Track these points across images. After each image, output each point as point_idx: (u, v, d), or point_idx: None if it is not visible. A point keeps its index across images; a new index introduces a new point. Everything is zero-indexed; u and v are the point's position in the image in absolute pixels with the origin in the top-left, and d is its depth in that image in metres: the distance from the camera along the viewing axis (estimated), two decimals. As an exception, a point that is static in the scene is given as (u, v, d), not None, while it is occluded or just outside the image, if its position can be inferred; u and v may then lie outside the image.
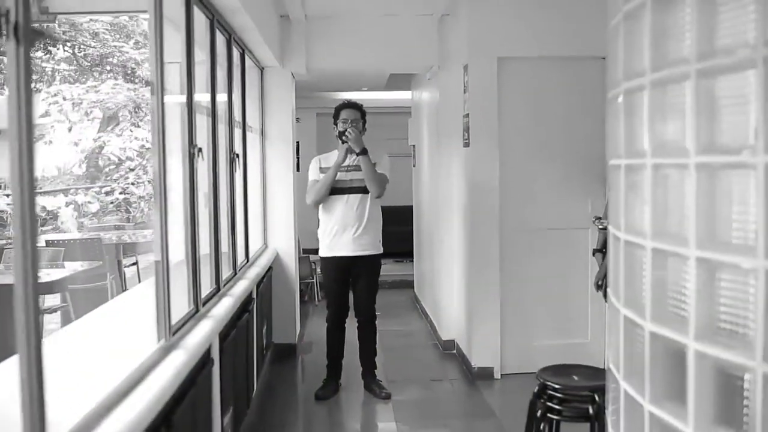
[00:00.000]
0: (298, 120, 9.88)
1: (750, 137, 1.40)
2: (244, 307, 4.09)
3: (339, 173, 4.68)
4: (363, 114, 4.79)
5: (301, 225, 6.36)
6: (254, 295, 4.53)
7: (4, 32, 1.42)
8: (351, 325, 4.93)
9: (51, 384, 2.05)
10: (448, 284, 5.96)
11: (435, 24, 5.90)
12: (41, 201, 13.62)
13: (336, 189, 4.69)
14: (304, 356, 5.95)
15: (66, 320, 5.78)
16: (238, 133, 4.63)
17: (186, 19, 3.03)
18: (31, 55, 1.48)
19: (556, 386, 3.00)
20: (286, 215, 5.90)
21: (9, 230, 12.34)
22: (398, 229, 9.04)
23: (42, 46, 14.38)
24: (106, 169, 14.98)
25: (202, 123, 3.54)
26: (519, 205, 5.16)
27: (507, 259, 5.16)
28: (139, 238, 8.04)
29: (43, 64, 14.71)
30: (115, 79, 14.52)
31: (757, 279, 1.38)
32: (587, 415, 2.94)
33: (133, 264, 8.13)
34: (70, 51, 14.88)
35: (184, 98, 3.06)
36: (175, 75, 3.09)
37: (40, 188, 15.03)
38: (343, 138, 4.67)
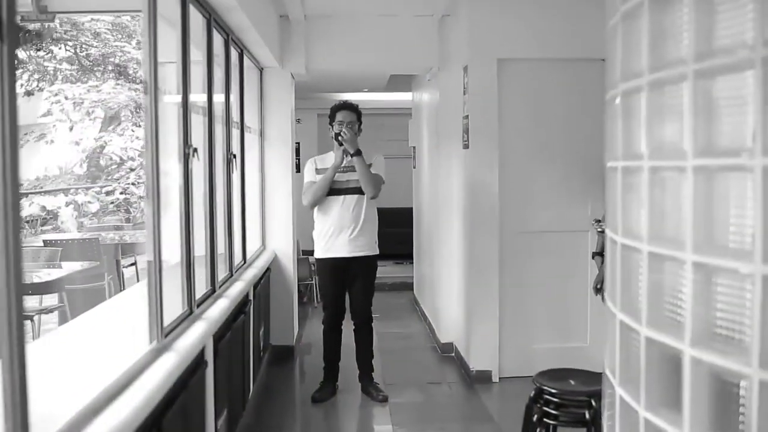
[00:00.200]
0: (299, 121, 9.88)
1: (748, 140, 1.38)
2: (240, 308, 4.06)
3: (336, 174, 4.66)
4: (359, 115, 4.77)
5: (301, 226, 6.33)
6: (251, 297, 4.50)
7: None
8: (348, 328, 4.90)
9: (37, 386, 2.03)
10: (447, 286, 5.94)
11: (435, 25, 5.87)
12: (41, 201, 13.62)
13: (332, 190, 4.66)
14: (304, 357, 5.93)
15: (63, 320, 5.76)
16: (236, 133, 4.61)
17: (181, 17, 3.01)
18: (17, 53, 1.45)
19: (553, 391, 2.97)
20: (285, 216, 5.88)
21: (8, 230, 12.33)
22: (398, 231, 9.03)
23: (43, 45, 14.40)
24: (108, 169, 14.98)
25: (198, 123, 3.52)
26: (518, 208, 5.13)
27: (506, 262, 5.13)
28: (139, 239, 8.02)
29: (45, 64, 14.72)
30: (117, 79, 14.52)
31: (754, 284, 1.35)
32: (584, 420, 2.91)
33: (132, 264, 8.11)
34: (72, 50, 14.88)
35: (179, 98, 3.03)
36: (173, 75, 3.07)
37: (41, 187, 15.04)
38: (339, 139, 4.64)
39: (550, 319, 5.16)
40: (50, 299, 6.20)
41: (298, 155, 8.46)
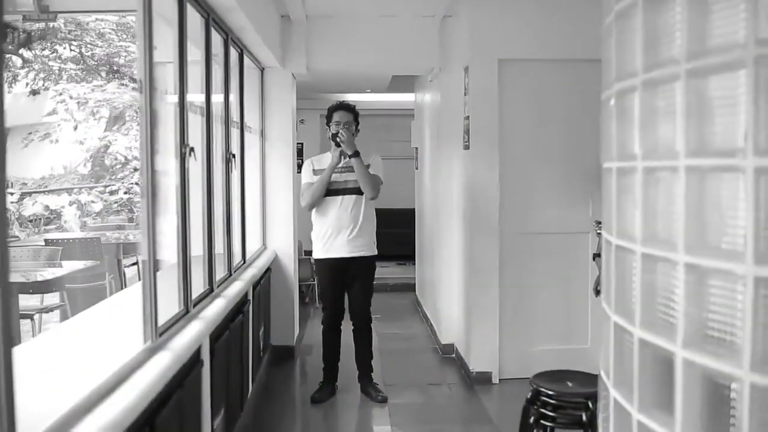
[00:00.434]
0: (302, 121, 9.89)
1: (739, 140, 1.37)
2: (239, 308, 4.06)
3: (333, 175, 4.66)
4: (356, 116, 4.77)
5: (303, 227, 6.32)
6: (250, 297, 4.49)
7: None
8: (347, 328, 4.89)
9: (28, 384, 2.03)
10: (447, 287, 5.93)
11: (436, 25, 5.86)
12: (45, 200, 13.65)
13: (330, 190, 4.66)
14: (306, 357, 5.92)
15: (64, 319, 5.77)
16: (235, 133, 4.60)
17: (179, 17, 3.01)
18: (2, 50, 1.44)
19: (550, 392, 2.96)
20: (286, 216, 5.87)
21: (12, 229, 12.38)
22: (401, 232, 9.03)
23: (48, 45, 14.45)
24: (112, 169, 15.01)
25: (196, 123, 3.51)
26: (519, 209, 5.11)
27: (506, 263, 5.11)
28: (140, 238, 7.99)
29: (50, 63, 14.76)
30: (121, 79, 14.55)
31: (746, 286, 1.34)
32: (581, 422, 2.90)
33: (134, 264, 8.11)
34: (77, 50, 14.92)
35: (176, 98, 3.02)
36: (172, 75, 3.07)
37: (46, 186, 15.07)
38: (337, 139, 4.64)
39: (550, 320, 5.14)
40: (52, 298, 6.21)
41: (301, 155, 8.46)
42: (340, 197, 4.67)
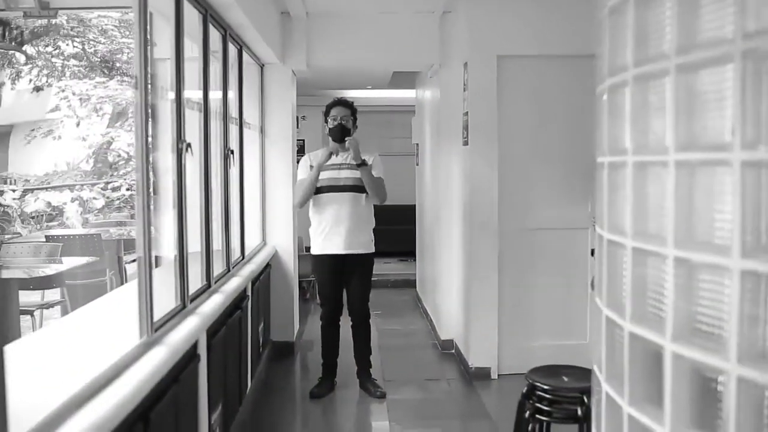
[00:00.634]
0: (303, 118, 9.89)
1: (727, 134, 1.37)
2: (237, 304, 4.07)
3: (330, 172, 4.67)
4: (353, 111, 4.77)
5: (303, 223, 6.33)
6: (248, 292, 4.50)
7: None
8: (346, 324, 4.90)
9: (23, 378, 2.04)
10: (447, 283, 5.93)
11: (436, 21, 5.86)
12: (47, 197, 13.68)
13: (328, 187, 4.66)
14: (306, 353, 5.94)
15: (65, 315, 5.79)
16: (234, 129, 4.61)
17: (175, 13, 3.01)
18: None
19: (545, 387, 2.96)
20: (286, 213, 5.88)
21: (14, 225, 12.41)
22: (403, 228, 9.04)
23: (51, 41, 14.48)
24: (115, 165, 15.05)
25: (194, 119, 3.52)
26: (518, 205, 5.12)
27: (505, 259, 5.12)
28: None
29: (53, 60, 14.79)
30: (123, 75, 14.58)
31: (733, 279, 1.35)
32: (576, 416, 2.90)
33: (135, 260, 8.11)
34: (80, 47, 14.95)
35: (173, 94, 3.03)
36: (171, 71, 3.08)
37: (48, 183, 15.11)
38: (330, 135, 4.69)
39: (549, 316, 5.15)
40: (53, 295, 6.23)
41: (303, 152, 8.46)
42: (338, 194, 4.67)
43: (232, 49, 4.54)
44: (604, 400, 1.91)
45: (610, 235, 1.90)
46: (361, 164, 4.60)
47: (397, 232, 9.16)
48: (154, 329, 2.60)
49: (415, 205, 8.22)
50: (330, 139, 4.74)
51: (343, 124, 4.69)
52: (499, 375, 5.11)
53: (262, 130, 5.76)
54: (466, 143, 5.19)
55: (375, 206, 4.83)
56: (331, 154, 4.65)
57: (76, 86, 14.79)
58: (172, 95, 3.08)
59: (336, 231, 4.67)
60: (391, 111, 10.17)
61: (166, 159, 3.13)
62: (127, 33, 14.89)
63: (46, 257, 6.03)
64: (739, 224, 1.33)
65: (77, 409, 1.88)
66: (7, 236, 11.80)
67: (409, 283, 8.55)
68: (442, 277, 6.02)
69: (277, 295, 5.85)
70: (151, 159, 3.58)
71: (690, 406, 1.51)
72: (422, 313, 7.35)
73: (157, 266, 3.84)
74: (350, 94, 8.79)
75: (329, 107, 4.80)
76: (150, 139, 2.55)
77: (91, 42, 14.83)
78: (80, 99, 14.47)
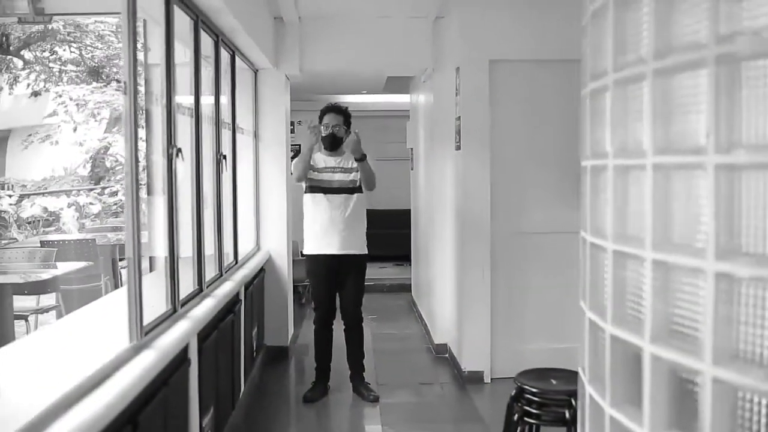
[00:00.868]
0: (299, 122, 9.91)
1: (702, 138, 1.39)
2: (230, 308, 4.08)
3: (324, 174, 4.71)
4: (346, 117, 4.80)
5: (297, 228, 6.35)
6: (241, 297, 4.51)
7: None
8: (339, 328, 4.91)
9: (11, 381, 2.06)
10: (441, 288, 5.95)
11: (429, 26, 5.89)
12: (43, 202, 13.68)
13: (322, 189, 4.70)
14: (301, 357, 5.95)
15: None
16: (226, 134, 4.63)
17: (165, 18, 3.03)
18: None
19: (534, 390, 2.98)
20: (280, 217, 5.90)
21: (10, 231, 12.41)
22: (398, 233, 9.04)
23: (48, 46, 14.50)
24: (113, 170, 15.05)
25: (186, 124, 3.54)
26: (510, 209, 5.14)
27: (498, 263, 5.13)
28: (143, 239, 7.99)
29: (51, 65, 14.81)
30: (119, 81, 14.59)
31: (707, 281, 1.37)
32: (564, 419, 2.91)
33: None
34: (77, 52, 14.97)
35: (163, 99, 3.05)
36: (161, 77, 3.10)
37: (45, 188, 15.11)
38: (322, 143, 4.78)
39: (542, 319, 5.16)
40: (48, 299, 6.24)
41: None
42: (332, 196, 4.71)
43: (225, 55, 4.56)
44: (588, 402, 1.93)
45: (592, 238, 1.92)
46: (361, 158, 4.61)
47: (393, 237, 9.17)
48: (144, 333, 2.61)
49: (410, 210, 8.25)
50: (322, 144, 4.79)
51: (335, 133, 4.73)
52: (492, 379, 5.12)
53: (255, 135, 5.77)
54: (458, 148, 5.21)
55: (369, 209, 4.86)
56: (316, 140, 4.66)
57: (73, 91, 14.80)
58: (164, 100, 3.10)
59: (330, 232, 4.70)
60: (386, 116, 10.19)
61: (159, 164, 3.15)
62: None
63: (41, 262, 6.03)
64: (714, 227, 1.35)
65: (64, 412, 1.89)
66: (3, 242, 11.80)
67: (405, 288, 8.56)
68: (435, 281, 6.04)
69: (272, 299, 5.86)
70: (144, 164, 3.61)
71: (668, 407, 1.53)
72: (417, 318, 7.36)
73: (151, 270, 3.87)
74: (345, 99, 8.81)
75: (322, 113, 4.84)
76: (139, 144, 2.57)
77: (88, 47, 14.85)
78: (77, 104, 14.47)
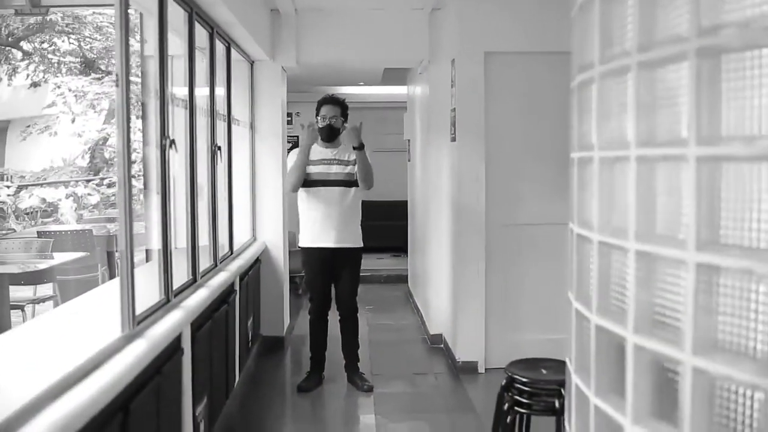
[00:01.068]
0: (297, 114, 9.91)
1: (683, 130, 1.40)
2: (224, 298, 4.10)
3: (321, 167, 4.71)
4: (343, 109, 4.81)
5: (294, 219, 6.36)
6: (236, 287, 4.53)
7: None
8: (334, 318, 4.94)
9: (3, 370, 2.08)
10: (436, 279, 5.97)
11: (425, 18, 5.89)
12: (42, 193, 13.70)
13: (318, 182, 4.70)
14: (296, 347, 5.97)
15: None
16: (221, 126, 4.63)
17: (159, 10, 3.04)
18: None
19: (524, 380, 2.99)
20: (276, 208, 5.91)
21: (8, 222, 12.43)
22: (395, 224, 9.06)
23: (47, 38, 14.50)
24: (112, 161, 15.06)
25: (181, 116, 3.55)
26: (505, 201, 5.15)
27: (493, 254, 5.15)
28: (140, 230, 8.01)
29: (50, 56, 14.80)
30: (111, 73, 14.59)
31: (688, 272, 1.38)
32: (554, 408, 2.93)
33: (132, 255, 8.13)
34: (76, 43, 14.96)
35: (157, 90, 3.06)
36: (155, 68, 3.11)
37: (44, 179, 15.13)
38: (319, 134, 4.77)
39: (536, 310, 5.17)
40: (46, 290, 6.26)
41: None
42: (328, 188, 4.71)
43: (220, 47, 4.57)
44: (574, 391, 1.95)
45: (579, 230, 1.94)
46: (360, 147, 4.62)
47: (390, 228, 9.19)
48: (137, 322, 2.63)
49: (407, 201, 8.26)
50: (319, 137, 4.80)
51: (332, 124, 4.74)
52: (486, 369, 5.14)
53: (252, 127, 5.78)
54: (453, 139, 5.22)
55: (365, 201, 4.87)
56: (312, 136, 4.65)
57: (72, 82, 14.80)
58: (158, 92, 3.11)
59: (326, 225, 4.71)
60: (383, 107, 10.20)
61: (155, 156, 3.16)
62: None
63: (37, 252, 6.05)
64: (695, 218, 1.36)
65: (54, 399, 1.91)
66: (1, 232, 11.83)
67: (401, 279, 8.59)
68: (431, 272, 6.06)
69: (267, 290, 5.88)
70: (141, 156, 3.62)
71: (651, 397, 1.54)
72: (413, 308, 7.38)
73: (148, 261, 3.89)
74: (343, 90, 8.81)
75: (319, 104, 4.85)
76: (133, 136, 2.58)
77: (87, 39, 14.84)
78: (75, 95, 14.47)
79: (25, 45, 14.41)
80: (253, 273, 5.34)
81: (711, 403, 1.35)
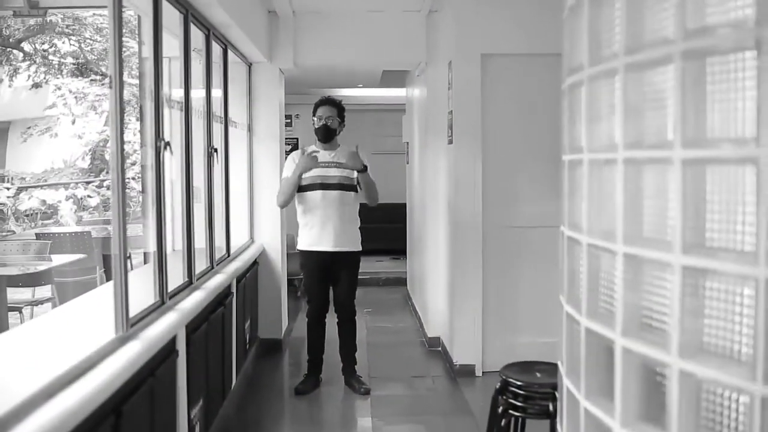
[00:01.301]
0: (297, 116, 9.92)
1: (669, 133, 1.40)
2: (220, 300, 4.10)
3: (319, 169, 4.69)
4: (340, 110, 4.80)
5: (292, 221, 6.36)
6: (233, 289, 4.53)
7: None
8: (332, 321, 4.94)
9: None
10: (434, 281, 5.97)
11: (423, 20, 5.90)
12: (42, 194, 13.71)
13: (317, 185, 4.69)
14: (295, 350, 5.97)
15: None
16: (218, 128, 4.64)
17: (153, 11, 3.04)
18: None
19: (518, 383, 2.99)
20: (274, 210, 5.89)
21: (8, 223, 12.44)
22: (394, 227, 9.06)
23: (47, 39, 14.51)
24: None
25: (176, 117, 3.56)
26: (502, 203, 5.14)
27: (490, 257, 5.14)
28: (139, 232, 8.02)
29: (50, 57, 14.81)
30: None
31: (674, 274, 1.38)
32: (548, 412, 2.93)
33: (127, 257, 8.14)
34: (77, 45, 14.97)
35: (152, 92, 3.07)
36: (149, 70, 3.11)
37: (45, 180, 15.14)
38: (316, 135, 4.78)
39: (533, 313, 5.17)
40: (45, 292, 6.27)
41: (297, 149, 8.48)
42: (327, 192, 4.70)
43: (217, 48, 4.57)
44: (565, 394, 1.95)
45: (569, 232, 1.94)
46: (363, 170, 4.64)
47: (389, 231, 9.19)
48: (130, 325, 2.63)
49: (405, 203, 8.26)
50: (316, 137, 4.80)
51: (328, 125, 4.74)
52: (483, 372, 5.14)
53: (249, 129, 5.78)
54: (450, 142, 5.22)
55: (364, 204, 4.87)
56: (311, 164, 4.66)
57: (72, 84, 14.81)
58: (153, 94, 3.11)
59: (325, 228, 4.70)
60: (382, 110, 10.20)
61: (150, 157, 3.17)
62: (125, 31, 14.87)
63: (35, 254, 6.06)
64: (680, 221, 1.36)
65: (45, 401, 1.91)
66: (0, 234, 11.84)
67: (400, 281, 8.59)
68: (429, 275, 6.06)
69: (265, 292, 5.88)
70: (138, 158, 3.63)
71: (639, 400, 1.54)
72: (411, 311, 7.38)
73: (146, 263, 3.90)
74: (342, 92, 8.82)
75: (316, 106, 4.85)
76: (127, 138, 2.58)
77: (88, 40, 14.85)
78: (76, 97, 14.48)
79: (26, 46, 14.43)
80: (251, 275, 5.34)
81: (698, 407, 1.35)
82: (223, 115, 4.85)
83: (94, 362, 2.27)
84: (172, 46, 3.62)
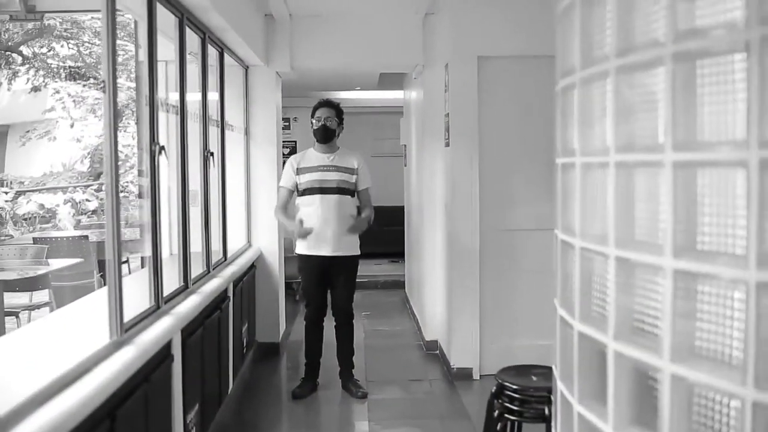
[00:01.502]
0: (295, 119, 9.92)
1: (660, 136, 1.40)
2: (217, 305, 4.09)
3: (318, 173, 4.70)
4: (338, 112, 4.81)
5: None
6: (230, 293, 4.52)
7: None
8: (330, 325, 4.93)
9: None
10: (431, 284, 5.96)
11: (419, 23, 5.90)
12: (40, 198, 13.70)
13: (315, 189, 4.69)
14: (293, 354, 5.96)
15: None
16: (214, 131, 4.63)
17: (148, 15, 3.04)
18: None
19: (514, 387, 2.98)
20: (271, 214, 5.89)
21: (6, 228, 12.44)
22: (393, 230, 9.05)
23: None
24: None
25: (171, 121, 3.56)
26: (499, 206, 5.14)
27: (487, 260, 5.13)
28: (130, 237, 8.03)
29: (49, 61, 14.81)
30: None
31: (665, 278, 1.38)
32: (544, 415, 2.92)
33: (125, 262, 8.15)
34: (75, 48, 14.97)
35: (146, 96, 3.07)
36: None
37: (44, 184, 15.13)
38: (315, 136, 4.75)
39: (531, 316, 5.15)
40: (42, 296, 6.26)
41: (296, 153, 8.48)
42: (325, 196, 4.69)
43: (213, 52, 4.57)
44: (559, 398, 1.95)
45: (562, 236, 1.93)
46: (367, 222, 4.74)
47: (387, 233, 9.19)
48: (125, 329, 2.62)
49: (404, 206, 8.26)
50: (315, 140, 4.80)
51: (327, 125, 4.74)
52: (480, 375, 5.13)
53: (246, 132, 5.78)
54: (447, 144, 5.22)
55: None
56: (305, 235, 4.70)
57: (71, 87, 14.81)
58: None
59: (323, 233, 4.68)
60: (380, 112, 10.20)
61: (145, 161, 3.16)
62: (122, 34, 14.88)
63: (32, 259, 6.05)
64: (671, 224, 1.36)
65: (39, 406, 1.91)
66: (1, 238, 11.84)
67: (399, 284, 8.58)
68: (426, 278, 6.05)
69: (262, 296, 5.87)
70: (135, 162, 3.63)
71: (631, 404, 1.54)
72: (409, 314, 7.37)
73: (144, 267, 3.89)
74: (340, 95, 8.82)
75: (315, 108, 4.85)
76: (118, 141, 2.58)
77: (86, 44, 14.85)
78: (74, 100, 14.48)
79: (25, 50, 14.42)
80: (248, 279, 5.33)
81: (689, 411, 1.34)
82: (219, 119, 4.85)
83: (89, 367, 2.27)
84: (168, 50, 3.63)
